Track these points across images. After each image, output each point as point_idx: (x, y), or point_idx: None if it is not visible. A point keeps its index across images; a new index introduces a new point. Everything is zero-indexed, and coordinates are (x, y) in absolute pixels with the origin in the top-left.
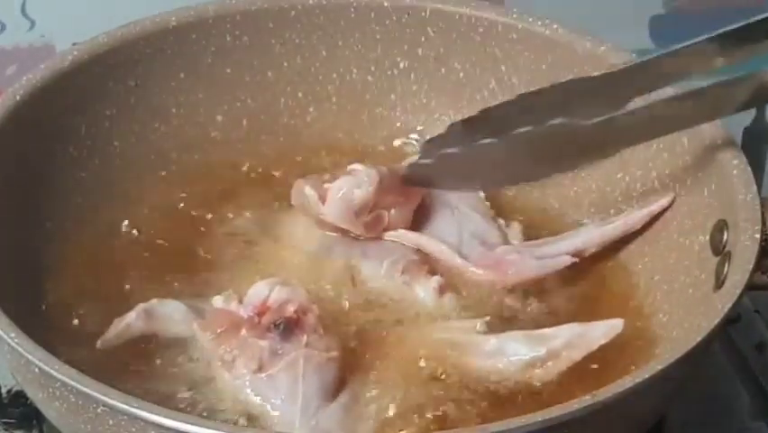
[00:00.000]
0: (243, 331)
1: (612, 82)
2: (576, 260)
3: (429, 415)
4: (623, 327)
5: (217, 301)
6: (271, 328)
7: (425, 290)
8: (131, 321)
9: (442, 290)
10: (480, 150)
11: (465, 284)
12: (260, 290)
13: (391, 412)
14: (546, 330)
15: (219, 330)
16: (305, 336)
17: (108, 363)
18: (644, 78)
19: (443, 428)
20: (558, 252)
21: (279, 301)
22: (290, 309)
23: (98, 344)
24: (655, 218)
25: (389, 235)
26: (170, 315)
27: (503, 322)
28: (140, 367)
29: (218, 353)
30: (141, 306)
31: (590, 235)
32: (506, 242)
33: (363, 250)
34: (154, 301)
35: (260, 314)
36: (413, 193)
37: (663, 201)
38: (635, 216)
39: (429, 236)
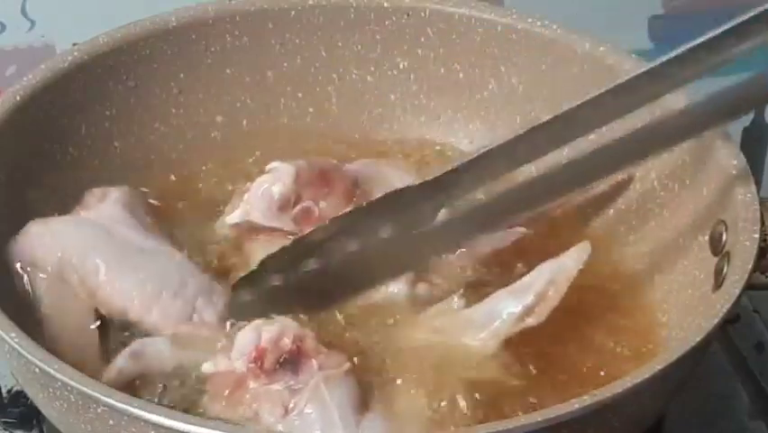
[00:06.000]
0: (252, 384)
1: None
2: (530, 231)
3: (463, 404)
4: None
5: (208, 367)
6: (277, 369)
7: (397, 286)
8: (122, 366)
9: (414, 282)
10: (304, 278)
11: (432, 269)
12: (247, 338)
13: (428, 411)
14: (524, 279)
15: (226, 393)
16: (313, 361)
17: None
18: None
19: (483, 415)
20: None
21: (273, 340)
22: (287, 342)
23: None
24: (654, 218)
25: None
26: (160, 351)
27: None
28: None
29: (238, 415)
30: (126, 350)
31: None
32: None
33: None
34: (137, 343)
35: (258, 360)
36: (337, 182)
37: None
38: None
39: None
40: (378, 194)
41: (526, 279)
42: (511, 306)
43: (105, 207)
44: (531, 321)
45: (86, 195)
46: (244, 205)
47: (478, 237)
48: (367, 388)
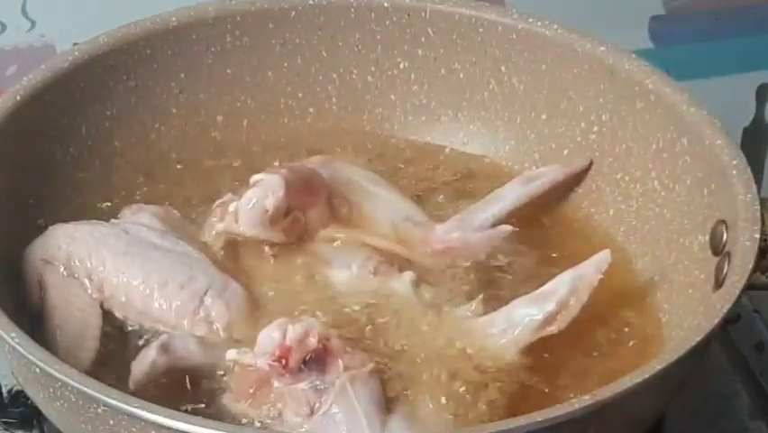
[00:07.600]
0: (275, 383)
1: None
2: (516, 229)
3: (483, 406)
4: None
5: (232, 355)
6: (303, 368)
7: (402, 286)
8: (154, 358)
9: (417, 283)
10: None
11: (430, 270)
12: (271, 336)
13: (452, 411)
14: (544, 287)
15: (251, 391)
16: (339, 361)
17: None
18: None
19: (502, 417)
20: (494, 218)
21: (298, 338)
22: (313, 342)
23: (130, 386)
24: (654, 218)
25: (324, 234)
26: (186, 346)
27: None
28: None
29: (263, 414)
30: (157, 342)
31: (518, 195)
32: (431, 216)
33: (323, 259)
34: (165, 336)
35: (281, 358)
36: (319, 188)
37: (583, 162)
38: (557, 172)
39: (366, 233)
40: (360, 204)
41: (546, 287)
42: (532, 312)
43: (138, 218)
44: (552, 329)
45: (123, 209)
46: (231, 217)
47: (475, 240)
48: (388, 390)
